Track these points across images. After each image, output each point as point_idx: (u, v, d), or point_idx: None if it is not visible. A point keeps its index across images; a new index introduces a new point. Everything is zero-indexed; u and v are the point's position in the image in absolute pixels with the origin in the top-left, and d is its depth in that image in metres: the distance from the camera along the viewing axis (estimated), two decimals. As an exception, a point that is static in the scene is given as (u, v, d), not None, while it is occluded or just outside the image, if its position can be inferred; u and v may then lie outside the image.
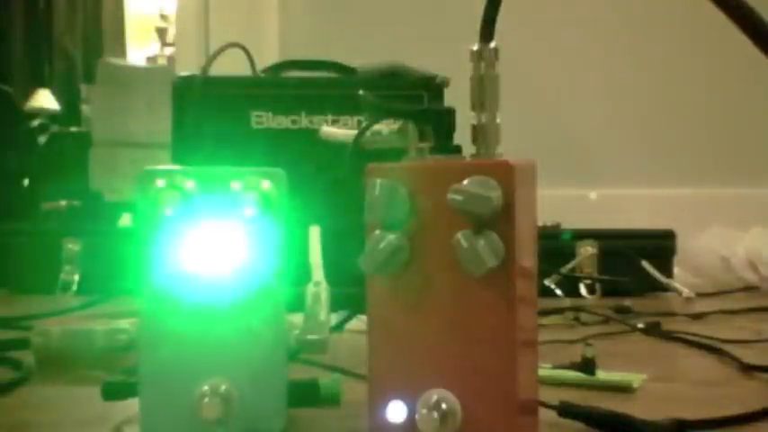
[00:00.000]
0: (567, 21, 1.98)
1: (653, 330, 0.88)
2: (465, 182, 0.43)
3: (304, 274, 0.63)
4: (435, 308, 0.45)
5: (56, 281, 1.22)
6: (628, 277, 1.21)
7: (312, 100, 1.12)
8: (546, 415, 0.51)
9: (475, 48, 0.47)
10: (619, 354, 0.79)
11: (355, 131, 0.58)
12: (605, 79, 1.97)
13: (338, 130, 0.66)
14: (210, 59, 1.11)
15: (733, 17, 0.40)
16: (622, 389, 0.63)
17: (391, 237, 0.45)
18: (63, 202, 1.64)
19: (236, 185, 0.49)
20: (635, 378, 0.65)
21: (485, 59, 0.47)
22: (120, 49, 4.56)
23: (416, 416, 0.44)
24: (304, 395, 0.57)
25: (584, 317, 0.98)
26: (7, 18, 4.04)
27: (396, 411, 0.45)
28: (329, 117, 1.11)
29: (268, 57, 1.66)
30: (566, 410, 0.53)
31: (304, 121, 1.11)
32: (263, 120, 1.12)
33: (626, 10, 1.96)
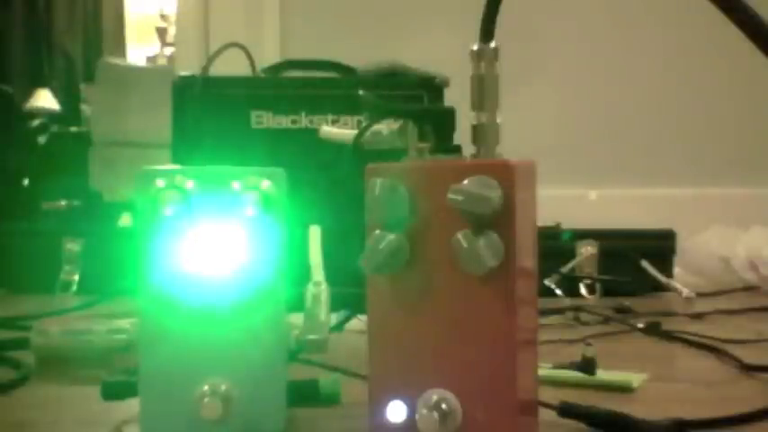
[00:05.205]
0: (568, 20, 1.98)
1: (653, 330, 0.88)
2: (465, 182, 0.43)
3: (304, 274, 0.63)
4: (435, 308, 0.45)
5: (55, 281, 1.22)
6: (628, 277, 1.21)
7: (312, 100, 1.12)
8: (546, 415, 0.51)
9: (475, 47, 0.47)
10: (619, 354, 0.79)
11: (355, 131, 0.58)
12: (605, 79, 1.97)
13: (338, 130, 0.66)
14: (210, 59, 1.11)
15: (731, 17, 0.40)
16: (622, 389, 0.63)
17: (391, 237, 0.45)
18: (63, 202, 1.63)
19: (236, 185, 0.49)
20: (635, 378, 0.65)
21: (485, 59, 0.47)
22: (120, 49, 4.56)
23: (416, 416, 0.44)
24: (304, 395, 0.57)
25: (584, 317, 0.98)
26: (7, 18, 4.04)
27: (396, 411, 0.45)
28: (329, 117, 1.11)
29: (268, 57, 1.66)
30: (566, 410, 0.53)
31: (304, 121, 1.11)
32: (263, 120, 1.12)
33: (626, 10, 1.96)
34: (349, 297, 0.69)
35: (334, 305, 0.64)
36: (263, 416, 0.50)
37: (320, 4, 2.10)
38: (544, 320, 0.93)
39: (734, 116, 1.92)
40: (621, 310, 1.03)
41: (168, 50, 4.64)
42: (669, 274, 1.24)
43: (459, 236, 0.43)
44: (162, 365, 0.49)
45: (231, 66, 1.18)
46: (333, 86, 1.16)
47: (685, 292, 1.16)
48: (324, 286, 0.63)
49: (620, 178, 1.94)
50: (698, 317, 1.01)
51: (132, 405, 0.51)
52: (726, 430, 0.53)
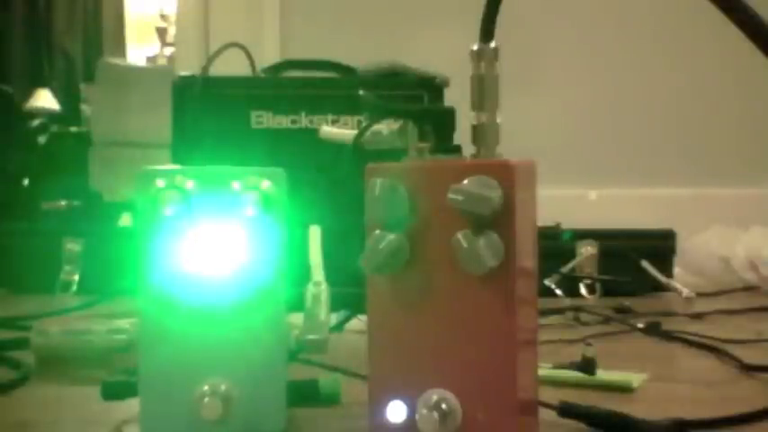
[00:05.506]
0: (568, 20, 1.98)
1: (653, 330, 0.88)
2: (465, 182, 0.43)
3: (304, 274, 0.63)
4: (435, 308, 0.45)
5: (56, 281, 1.22)
6: (628, 277, 1.21)
7: (312, 100, 1.12)
8: (546, 415, 0.51)
9: (475, 47, 0.47)
10: (619, 354, 0.79)
11: (355, 131, 0.58)
12: (605, 79, 1.97)
13: (338, 130, 0.66)
14: (210, 59, 1.11)
15: (731, 17, 0.40)
16: (622, 389, 0.63)
17: (391, 237, 0.45)
18: (63, 202, 1.63)
19: (236, 185, 0.49)
20: (635, 378, 0.65)
21: (485, 59, 0.47)
22: (120, 49, 4.56)
23: (416, 416, 0.44)
24: (304, 395, 0.57)
25: (584, 317, 0.98)
26: (7, 18, 4.04)
27: (396, 411, 0.45)
28: (329, 117, 1.11)
29: (268, 57, 1.66)
30: (566, 410, 0.53)
31: (304, 121, 1.11)
32: (263, 120, 1.12)
33: (626, 11, 1.96)
34: (349, 297, 0.69)
35: (334, 305, 0.64)
36: (263, 416, 0.50)
37: (320, 4, 2.10)
38: (544, 320, 0.93)
39: (734, 116, 1.92)
40: (621, 310, 1.03)
41: (168, 50, 4.64)
42: (669, 274, 1.24)
43: (459, 236, 0.43)
44: (162, 365, 0.49)
45: (231, 66, 1.18)
46: (333, 86, 1.16)
47: (685, 292, 1.16)
48: (324, 286, 0.63)
49: (620, 178, 1.94)
50: (698, 317, 1.01)
51: (132, 405, 0.51)
52: (726, 430, 0.53)
